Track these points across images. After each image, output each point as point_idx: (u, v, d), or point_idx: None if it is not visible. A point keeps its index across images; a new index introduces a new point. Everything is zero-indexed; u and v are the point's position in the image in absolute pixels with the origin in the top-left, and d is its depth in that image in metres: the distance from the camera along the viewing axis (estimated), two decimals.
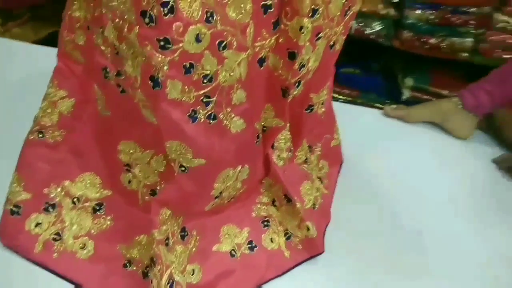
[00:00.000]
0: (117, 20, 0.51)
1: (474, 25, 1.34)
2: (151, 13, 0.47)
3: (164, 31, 0.48)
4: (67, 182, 0.71)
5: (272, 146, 0.74)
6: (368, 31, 1.51)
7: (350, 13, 0.64)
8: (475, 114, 1.07)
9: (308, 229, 0.74)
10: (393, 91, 1.55)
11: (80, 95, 0.69)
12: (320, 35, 0.60)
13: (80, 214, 0.71)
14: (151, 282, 0.63)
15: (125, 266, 0.68)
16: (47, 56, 0.75)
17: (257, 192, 0.78)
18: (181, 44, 0.49)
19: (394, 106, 1.17)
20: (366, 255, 0.77)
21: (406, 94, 1.47)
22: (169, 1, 0.46)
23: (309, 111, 0.73)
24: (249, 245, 0.74)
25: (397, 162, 0.99)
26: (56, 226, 0.69)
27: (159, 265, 0.62)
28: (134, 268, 0.68)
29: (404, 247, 0.79)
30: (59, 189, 0.71)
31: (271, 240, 0.75)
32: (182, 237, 0.68)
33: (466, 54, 1.35)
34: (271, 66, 0.63)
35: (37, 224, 0.69)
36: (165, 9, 0.46)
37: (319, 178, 0.84)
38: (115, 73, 0.59)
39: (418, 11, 1.37)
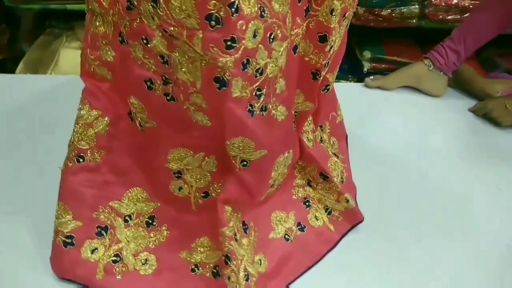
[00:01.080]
0: (171, 29, 0.52)
1: None
2: (218, 15, 0.48)
3: (231, 31, 0.49)
4: (115, 203, 0.70)
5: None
6: None
7: None
8: (445, 73, 1.19)
9: (347, 200, 0.79)
10: (353, 66, 1.64)
11: (112, 113, 0.68)
12: (346, 15, 0.64)
13: (134, 231, 0.70)
14: (228, 279, 0.64)
15: (192, 271, 0.69)
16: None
17: (292, 176, 0.81)
18: (243, 41, 0.51)
19: (372, 77, 1.26)
20: (390, 213, 0.85)
21: (366, 66, 1.56)
22: (235, 1, 0.47)
23: (325, 91, 0.77)
24: (299, 227, 0.77)
25: (388, 127, 1.09)
26: (113, 248, 0.68)
27: (234, 260, 0.64)
28: (202, 270, 0.69)
29: (415, 199, 0.89)
30: (108, 211, 0.69)
31: (316, 218, 0.79)
32: (245, 230, 0.70)
33: (414, 20, 1.47)
34: (302, 52, 0.66)
35: (93, 251, 0.67)
36: (232, 9, 0.48)
37: (335, 154, 0.89)
38: (162, 83, 0.60)
39: None
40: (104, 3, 0.58)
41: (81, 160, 0.67)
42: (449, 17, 1.46)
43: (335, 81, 0.79)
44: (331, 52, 0.67)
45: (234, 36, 0.50)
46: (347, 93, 1.21)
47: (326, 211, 0.81)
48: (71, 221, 0.67)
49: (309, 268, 0.73)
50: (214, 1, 0.47)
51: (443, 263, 0.76)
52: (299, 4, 0.59)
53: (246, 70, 0.55)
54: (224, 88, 0.54)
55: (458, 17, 1.43)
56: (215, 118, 0.59)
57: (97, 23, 0.62)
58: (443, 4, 1.44)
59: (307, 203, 0.81)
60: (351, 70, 1.61)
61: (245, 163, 0.63)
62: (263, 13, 0.53)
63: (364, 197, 0.85)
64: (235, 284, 0.63)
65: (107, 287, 0.66)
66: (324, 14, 0.62)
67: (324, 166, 0.79)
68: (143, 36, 0.57)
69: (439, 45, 1.19)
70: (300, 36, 0.64)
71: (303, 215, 0.79)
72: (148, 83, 0.61)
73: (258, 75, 0.57)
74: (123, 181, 0.71)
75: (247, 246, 0.68)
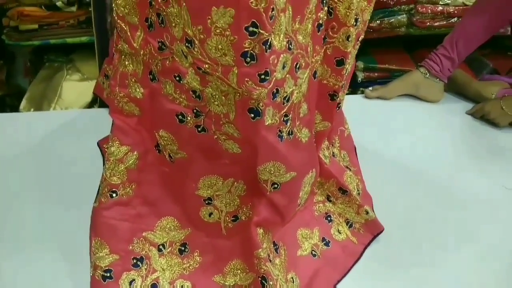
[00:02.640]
0: (206, 66, 0.55)
1: (405, 2, 1.52)
2: (252, 52, 0.51)
3: (265, 65, 0.53)
4: (148, 233, 0.72)
5: None
6: None
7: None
8: (441, 79, 1.24)
9: (367, 212, 0.82)
10: None
11: (141, 147, 0.70)
12: (359, 39, 0.68)
13: (169, 259, 0.72)
14: None
15: None
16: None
17: (312, 193, 0.85)
18: (274, 74, 0.54)
19: (371, 88, 1.31)
20: (404, 219, 0.88)
21: (360, 76, 1.62)
22: (269, 39, 0.51)
23: (338, 109, 0.81)
24: (323, 242, 0.80)
25: (391, 135, 1.13)
26: (149, 277, 0.70)
27: (271, 280, 0.66)
28: None
29: (425, 202, 0.93)
30: (142, 242, 0.71)
31: (339, 232, 0.82)
32: (276, 250, 0.73)
33: (403, 29, 1.53)
34: (320, 76, 0.70)
35: (131, 282, 0.69)
36: (266, 46, 0.51)
37: (347, 167, 0.92)
38: (193, 116, 0.62)
39: None
40: (134, 44, 0.61)
41: (114, 195, 0.69)
42: (436, 24, 1.52)
43: None
44: (346, 74, 0.71)
45: (267, 69, 0.53)
46: (348, 105, 1.26)
47: (347, 224, 0.84)
48: (108, 255, 0.68)
49: (339, 281, 0.76)
50: (250, 40, 0.50)
51: (454, 264, 0.79)
52: (318, 33, 0.63)
53: (275, 99, 0.58)
54: (258, 117, 0.57)
55: (444, 22, 1.50)
56: (246, 146, 0.62)
57: (126, 63, 0.65)
58: (429, 11, 1.51)
59: (329, 218, 0.84)
60: None
61: (275, 185, 0.66)
62: (290, 46, 0.56)
63: (378, 205, 0.88)
64: None
65: None
66: (340, 40, 0.66)
67: (341, 181, 0.82)
68: (175, 74, 0.60)
69: (432, 53, 1.24)
70: (319, 62, 0.67)
71: (327, 230, 0.82)
72: (180, 116, 0.64)
73: (285, 102, 0.60)
74: (155, 211, 0.73)
75: (280, 265, 0.71)
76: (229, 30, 0.50)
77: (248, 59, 0.52)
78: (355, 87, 1.55)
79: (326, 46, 0.67)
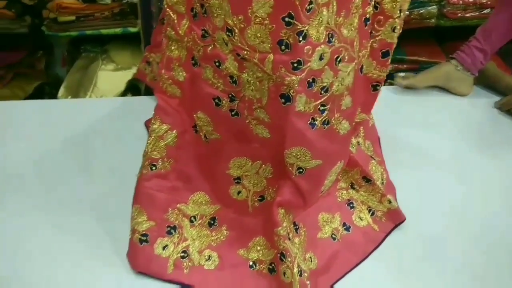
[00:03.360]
0: (244, 52, 0.60)
1: None
2: (287, 41, 0.56)
3: (298, 55, 0.57)
4: (181, 205, 0.79)
5: None
6: None
7: None
8: (472, 72, 1.22)
9: (390, 202, 0.85)
10: None
11: (179, 127, 0.77)
12: (400, 29, 0.72)
13: (199, 230, 0.79)
14: (283, 275, 0.71)
15: (251, 267, 0.77)
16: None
17: (336, 180, 0.88)
18: (309, 64, 0.59)
19: (402, 74, 1.30)
20: (428, 211, 0.90)
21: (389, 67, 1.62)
22: (303, 30, 0.55)
23: None
24: (344, 227, 0.84)
25: (418, 127, 1.13)
26: (181, 245, 0.77)
27: (289, 257, 0.71)
28: (259, 267, 0.76)
29: (450, 196, 0.94)
30: (176, 213, 0.78)
31: (360, 218, 0.86)
32: (296, 230, 0.78)
33: (433, 20, 1.52)
34: (365, 69, 0.74)
35: (164, 247, 0.76)
36: (300, 37, 0.56)
37: (371, 157, 0.95)
38: (229, 100, 0.68)
39: None
40: (180, 31, 0.68)
41: (153, 168, 0.76)
42: (467, 15, 1.50)
43: None
44: (388, 63, 0.75)
45: (300, 59, 0.58)
46: None
47: (369, 212, 0.87)
48: (146, 221, 0.76)
49: (357, 265, 0.80)
50: (285, 29, 0.55)
51: (477, 261, 0.81)
52: (365, 28, 0.67)
53: (311, 88, 0.63)
54: (289, 103, 0.62)
55: (477, 13, 1.47)
56: (276, 131, 0.67)
57: (172, 48, 0.71)
58: (461, 2, 1.48)
59: (351, 205, 0.88)
60: None
61: (301, 170, 0.70)
62: (331, 39, 0.60)
63: (402, 196, 0.91)
64: (290, 279, 0.70)
65: (176, 279, 0.75)
66: (386, 32, 0.70)
67: (366, 170, 0.86)
68: (215, 60, 0.65)
69: (464, 45, 1.22)
70: (366, 56, 0.71)
71: (348, 216, 0.86)
72: (216, 100, 0.69)
73: (323, 92, 0.65)
74: (189, 186, 0.80)
75: (299, 244, 0.76)
76: (268, 19, 0.55)
77: (283, 47, 0.57)
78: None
79: (372, 39, 0.71)
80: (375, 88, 0.76)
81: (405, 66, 1.57)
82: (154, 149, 0.76)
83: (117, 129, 1.01)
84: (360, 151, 0.89)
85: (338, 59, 0.63)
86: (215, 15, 0.60)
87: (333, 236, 0.82)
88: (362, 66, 0.71)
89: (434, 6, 1.47)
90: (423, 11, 1.48)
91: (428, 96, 1.27)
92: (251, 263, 0.77)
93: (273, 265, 0.75)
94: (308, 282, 0.70)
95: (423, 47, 1.59)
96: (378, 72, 0.73)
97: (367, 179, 0.86)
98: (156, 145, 0.76)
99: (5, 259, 0.75)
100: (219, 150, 0.75)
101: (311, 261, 0.77)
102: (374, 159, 0.94)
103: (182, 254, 0.76)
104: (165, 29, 0.70)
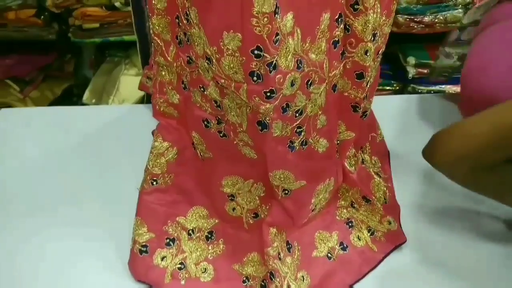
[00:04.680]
0: (222, 81, 0.63)
1: None
2: (259, 72, 0.59)
3: (270, 85, 0.59)
4: (181, 218, 0.83)
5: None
6: None
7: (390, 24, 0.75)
8: None
9: (390, 223, 0.84)
10: (397, 72, 1.65)
11: (180, 144, 0.82)
12: (379, 53, 0.71)
13: (196, 243, 0.83)
14: None
15: (244, 282, 0.79)
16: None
17: (336, 198, 0.89)
18: (281, 91, 0.61)
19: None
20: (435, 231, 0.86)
21: (412, 72, 1.57)
22: (273, 61, 0.57)
23: (364, 117, 0.83)
24: (341, 246, 0.84)
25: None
26: (178, 257, 0.81)
27: (278, 277, 0.73)
28: (252, 283, 0.79)
29: (461, 216, 0.89)
30: (175, 225, 0.83)
31: (358, 238, 0.86)
32: (288, 250, 0.79)
33: (458, 24, 1.45)
34: (341, 88, 0.74)
35: (163, 258, 0.81)
36: (270, 67, 0.58)
37: (377, 174, 0.94)
38: (217, 122, 0.71)
39: None
40: (169, 58, 0.72)
41: (154, 183, 0.82)
42: None
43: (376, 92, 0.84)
44: (368, 86, 0.74)
45: (273, 88, 0.60)
46: (389, 106, 1.22)
47: (369, 232, 0.87)
48: (146, 233, 0.81)
49: (351, 286, 0.80)
50: (256, 61, 0.58)
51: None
52: (335, 49, 0.68)
53: (286, 113, 0.64)
54: (265, 130, 0.64)
55: None
56: (259, 153, 0.69)
57: (163, 73, 0.76)
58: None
59: (350, 224, 0.87)
60: (395, 76, 1.62)
61: (286, 191, 0.72)
62: (300, 64, 0.62)
63: (408, 214, 0.88)
64: None
65: None
66: (359, 55, 0.69)
67: (366, 190, 0.85)
68: (200, 85, 0.69)
69: None
70: (338, 76, 0.72)
71: (346, 235, 0.86)
72: (205, 122, 0.73)
73: (298, 115, 0.66)
74: (188, 200, 0.84)
75: (291, 263, 0.77)
76: (238, 52, 0.58)
77: (255, 78, 0.59)
78: (405, 83, 1.52)
79: (345, 60, 0.71)
80: (355, 109, 0.75)
81: (428, 70, 1.52)
82: (155, 166, 0.81)
83: (130, 137, 1.03)
84: (361, 170, 0.88)
85: (309, 83, 0.64)
86: (196, 43, 0.64)
87: (329, 255, 0.83)
88: (334, 85, 0.71)
89: (460, 10, 1.41)
90: (448, 15, 1.42)
91: (446, 107, 1.19)
92: (244, 278, 0.80)
93: (265, 282, 0.77)
94: None
95: None
96: (354, 93, 0.73)
97: (367, 199, 0.86)
98: (157, 161, 0.81)
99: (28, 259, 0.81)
100: (212, 168, 0.79)
101: (303, 280, 0.78)
102: (380, 176, 0.93)
103: (179, 265, 0.81)
104: (154, 56, 0.74)
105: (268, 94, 0.60)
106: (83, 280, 0.80)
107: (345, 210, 0.88)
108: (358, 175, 0.86)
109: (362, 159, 0.91)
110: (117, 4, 1.54)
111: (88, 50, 1.82)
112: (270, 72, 0.58)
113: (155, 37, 0.72)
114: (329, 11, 0.62)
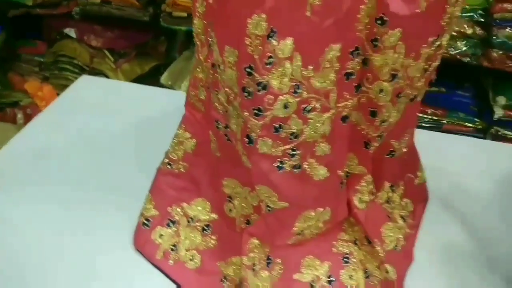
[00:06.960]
0: (227, 89, 0.66)
1: None
2: (249, 89, 0.61)
3: (258, 103, 0.61)
4: (185, 205, 0.89)
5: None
6: (453, 51, 1.53)
7: (431, 69, 0.69)
8: None
9: (387, 271, 0.79)
10: (483, 110, 1.50)
11: (200, 137, 0.87)
12: (400, 95, 0.67)
13: (192, 231, 0.88)
14: None
15: (221, 280, 0.83)
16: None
17: (339, 229, 0.86)
18: (271, 111, 0.62)
19: None
20: None
21: (499, 113, 1.42)
22: (262, 81, 0.59)
23: (390, 156, 0.79)
24: (328, 279, 0.82)
25: (484, 189, 0.97)
26: (174, 239, 0.88)
27: (245, 287, 0.75)
28: (228, 284, 0.82)
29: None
30: (179, 209, 0.89)
31: (350, 277, 0.82)
32: (267, 264, 0.80)
33: None
34: (354, 121, 0.72)
35: (160, 236, 0.88)
36: (259, 87, 0.59)
37: (402, 217, 0.88)
38: (224, 126, 0.75)
39: (508, 29, 1.35)
40: (201, 57, 0.77)
41: (169, 166, 0.89)
42: None
43: (437, 121, 0.78)
44: (384, 125, 0.71)
45: (260, 107, 0.61)
46: (446, 145, 1.10)
47: (365, 274, 0.83)
48: (152, 209, 0.89)
49: None
50: (247, 79, 0.60)
51: None
52: (347, 81, 0.65)
53: (278, 133, 0.65)
54: (251, 144, 0.66)
55: None
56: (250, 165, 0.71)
57: (198, 69, 0.81)
58: None
59: (346, 259, 0.84)
60: (480, 115, 1.48)
61: (269, 208, 0.73)
62: (297, 89, 0.62)
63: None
64: None
65: (161, 266, 0.86)
66: (374, 92, 0.66)
67: (369, 231, 0.81)
68: (216, 89, 0.73)
69: None
70: (350, 108, 0.69)
71: (337, 270, 0.83)
72: (217, 123, 0.77)
73: (292, 138, 0.66)
74: (196, 190, 0.89)
75: (266, 278, 0.78)
76: (235, 66, 0.60)
77: (246, 94, 0.61)
78: (489, 124, 1.37)
79: (361, 94, 0.68)
80: (366, 145, 0.72)
81: None
82: (174, 151, 0.88)
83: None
84: (373, 209, 0.84)
85: (307, 109, 0.63)
86: (213, 50, 0.68)
87: (312, 283, 0.81)
88: (345, 116, 0.68)
89: None
90: None
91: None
92: (222, 277, 0.83)
93: (240, 286, 0.80)
94: None
95: None
96: (367, 129, 0.70)
97: (369, 240, 0.82)
98: (176, 148, 0.88)
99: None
100: (218, 167, 0.83)
101: None
102: (405, 220, 0.87)
103: (172, 247, 0.87)
104: (196, 52, 0.80)
105: (256, 111, 0.62)
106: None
107: (345, 244, 0.85)
108: (367, 214, 0.83)
109: (388, 198, 0.87)
110: None
111: (180, 35, 1.99)
112: (259, 91, 0.60)
113: (195, 37, 0.77)
114: (340, 42, 0.60)
